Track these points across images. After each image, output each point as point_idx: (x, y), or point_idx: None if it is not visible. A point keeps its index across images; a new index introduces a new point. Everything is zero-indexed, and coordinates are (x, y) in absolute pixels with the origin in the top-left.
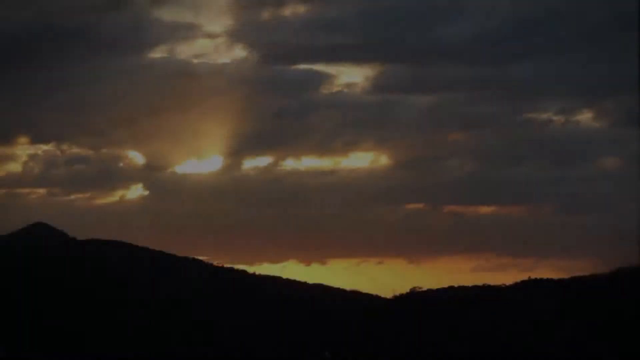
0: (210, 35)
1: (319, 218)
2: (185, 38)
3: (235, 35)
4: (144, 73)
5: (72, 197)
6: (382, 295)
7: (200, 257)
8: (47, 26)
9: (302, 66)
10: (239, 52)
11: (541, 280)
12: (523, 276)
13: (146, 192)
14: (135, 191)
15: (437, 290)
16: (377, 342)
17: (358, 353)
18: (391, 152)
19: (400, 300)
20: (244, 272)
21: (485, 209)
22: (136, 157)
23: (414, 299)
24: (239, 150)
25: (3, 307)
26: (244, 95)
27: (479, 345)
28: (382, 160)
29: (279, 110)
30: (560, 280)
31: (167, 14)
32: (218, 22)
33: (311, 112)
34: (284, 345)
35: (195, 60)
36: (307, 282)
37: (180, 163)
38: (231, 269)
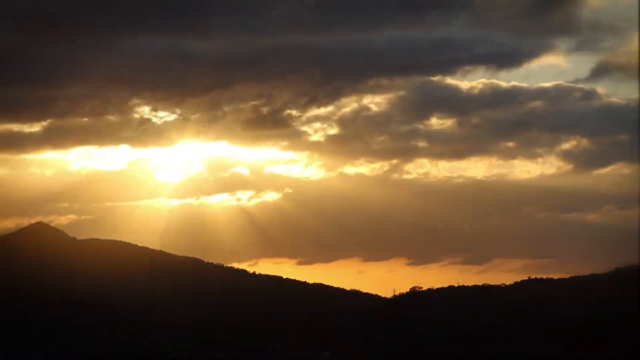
0: None
1: None
2: None
3: None
4: None
5: None
6: (382, 295)
7: (199, 257)
8: None
9: None
10: None
11: (541, 280)
12: (523, 276)
13: None
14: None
15: (437, 290)
16: (377, 342)
17: (358, 353)
18: None
19: (400, 300)
20: (244, 272)
21: None
22: None
23: (414, 299)
24: None
25: (3, 307)
26: None
27: (478, 344)
28: None
29: None
30: (560, 280)
31: None
32: None
33: None
34: (284, 345)
35: None
36: (307, 282)
37: None
38: (231, 269)
